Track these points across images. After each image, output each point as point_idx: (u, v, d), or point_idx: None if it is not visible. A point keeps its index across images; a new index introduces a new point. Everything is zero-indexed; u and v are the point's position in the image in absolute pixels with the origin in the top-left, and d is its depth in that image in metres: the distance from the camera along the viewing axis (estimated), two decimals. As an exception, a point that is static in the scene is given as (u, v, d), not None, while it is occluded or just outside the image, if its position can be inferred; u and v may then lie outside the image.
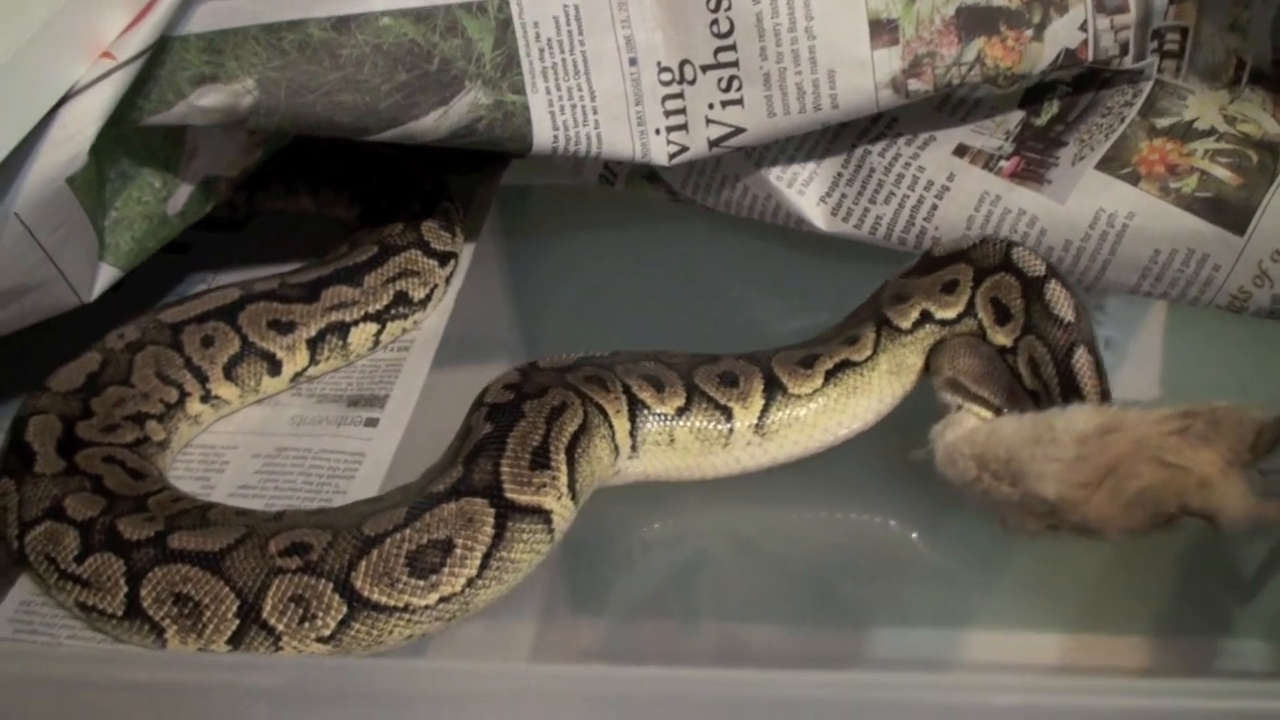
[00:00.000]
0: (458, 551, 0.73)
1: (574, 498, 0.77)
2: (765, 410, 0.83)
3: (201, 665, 0.60)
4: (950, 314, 0.83)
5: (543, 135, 0.86)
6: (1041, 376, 0.78)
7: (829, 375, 0.83)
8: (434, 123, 0.84)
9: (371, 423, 0.91)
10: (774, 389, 0.83)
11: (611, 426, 0.81)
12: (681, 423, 0.83)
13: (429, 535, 0.72)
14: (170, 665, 0.60)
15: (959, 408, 0.80)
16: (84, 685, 0.56)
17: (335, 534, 0.73)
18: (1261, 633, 0.75)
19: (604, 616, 0.82)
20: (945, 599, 0.80)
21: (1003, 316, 0.80)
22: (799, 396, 0.83)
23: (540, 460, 0.76)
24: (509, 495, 0.74)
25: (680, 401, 0.83)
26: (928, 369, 0.83)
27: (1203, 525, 0.68)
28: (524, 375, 0.83)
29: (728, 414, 0.83)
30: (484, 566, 0.73)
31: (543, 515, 0.75)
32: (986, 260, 0.82)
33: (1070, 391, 0.76)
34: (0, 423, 0.88)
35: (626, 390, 0.83)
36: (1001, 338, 0.81)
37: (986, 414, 0.79)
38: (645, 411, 0.82)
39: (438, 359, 0.97)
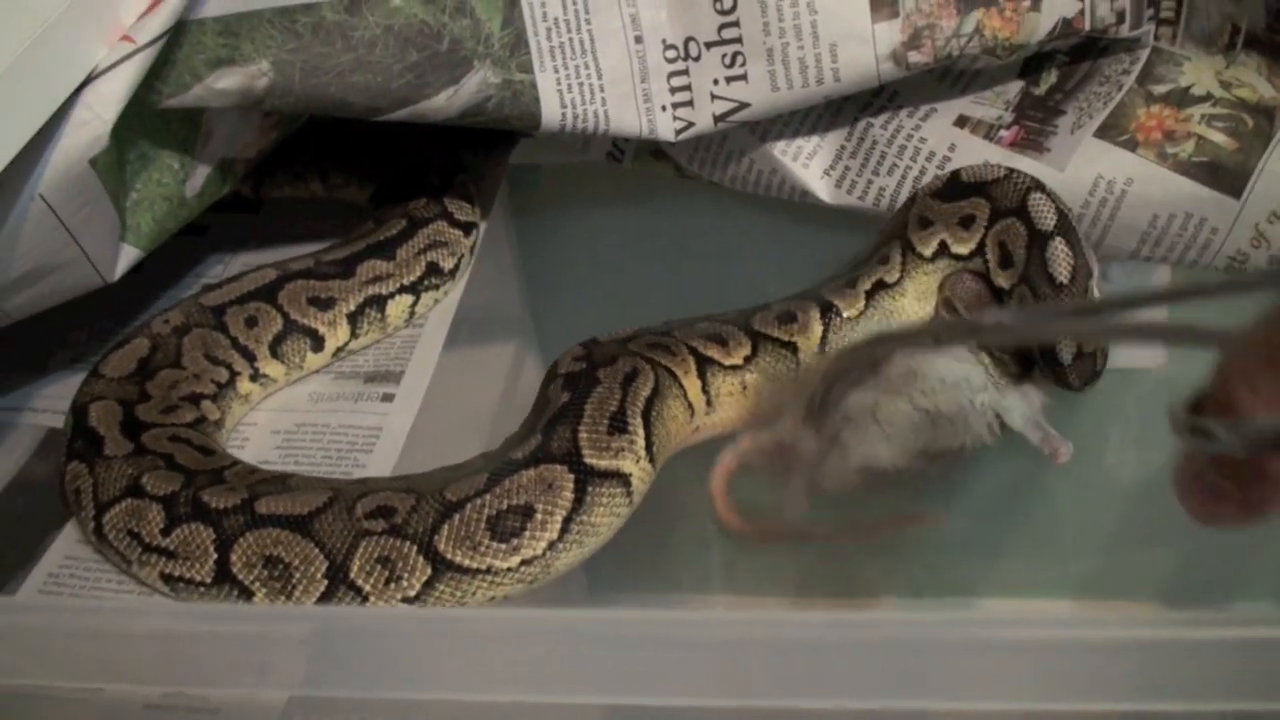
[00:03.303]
0: (538, 516, 0.74)
1: (652, 460, 0.78)
2: (825, 335, 0.86)
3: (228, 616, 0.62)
4: (964, 250, 0.85)
5: (551, 113, 0.88)
6: None
7: (868, 296, 0.86)
8: (445, 102, 0.86)
9: (388, 398, 0.93)
10: (830, 313, 0.86)
11: (683, 386, 0.83)
12: (751, 369, 0.85)
13: (509, 500, 0.73)
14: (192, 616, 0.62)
15: None
16: (113, 637, 0.57)
17: (419, 498, 0.74)
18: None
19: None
20: (953, 569, 0.81)
21: (1005, 261, 0.82)
22: (851, 318, 0.86)
23: (618, 425, 0.77)
24: (588, 460, 0.75)
25: (747, 350, 0.85)
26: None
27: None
28: (588, 349, 0.84)
29: (793, 349, 0.85)
30: (564, 530, 0.74)
31: (621, 479, 0.76)
32: (1004, 200, 0.83)
33: (1045, 349, 0.78)
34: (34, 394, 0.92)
35: (693, 351, 0.84)
36: (1002, 280, 0.83)
37: None
38: (714, 367, 0.84)
39: (451, 335, 0.98)
